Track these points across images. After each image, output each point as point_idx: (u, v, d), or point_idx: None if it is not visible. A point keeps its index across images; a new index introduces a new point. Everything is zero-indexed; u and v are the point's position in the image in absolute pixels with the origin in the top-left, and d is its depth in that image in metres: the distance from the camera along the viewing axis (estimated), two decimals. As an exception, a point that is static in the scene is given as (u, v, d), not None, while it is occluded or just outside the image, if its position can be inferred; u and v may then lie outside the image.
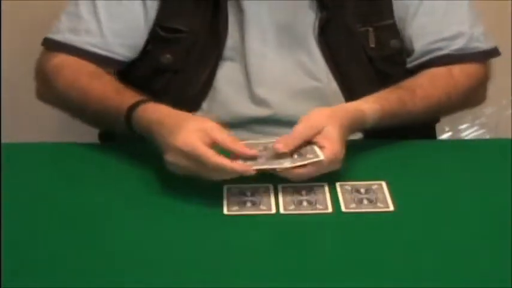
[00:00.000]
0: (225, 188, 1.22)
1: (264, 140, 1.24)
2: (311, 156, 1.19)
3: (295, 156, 1.20)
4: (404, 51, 1.48)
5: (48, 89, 1.47)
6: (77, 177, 1.30)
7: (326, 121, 1.24)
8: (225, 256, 1.08)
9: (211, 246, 1.10)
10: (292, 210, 1.18)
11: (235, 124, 1.46)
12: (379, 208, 1.18)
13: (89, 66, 1.44)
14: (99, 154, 1.36)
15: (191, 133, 1.19)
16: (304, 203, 1.19)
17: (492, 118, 2.14)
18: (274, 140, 1.22)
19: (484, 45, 1.46)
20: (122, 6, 1.46)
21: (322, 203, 1.19)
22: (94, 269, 1.05)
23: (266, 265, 1.05)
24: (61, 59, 1.46)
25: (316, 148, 1.20)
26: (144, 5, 1.46)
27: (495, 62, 1.50)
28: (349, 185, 1.23)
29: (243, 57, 1.46)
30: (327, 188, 1.22)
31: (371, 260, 1.06)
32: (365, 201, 1.19)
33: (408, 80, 1.42)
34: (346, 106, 1.33)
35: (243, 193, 1.22)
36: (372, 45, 1.45)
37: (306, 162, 1.19)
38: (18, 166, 1.33)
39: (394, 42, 1.46)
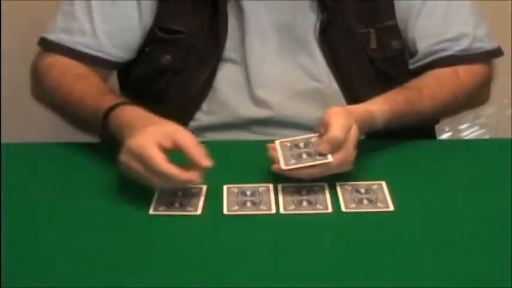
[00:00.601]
0: (225, 188, 1.22)
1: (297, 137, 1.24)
2: (320, 158, 1.19)
3: (304, 156, 1.20)
4: (406, 52, 1.48)
5: (39, 88, 1.47)
6: (77, 177, 1.30)
7: (352, 121, 1.23)
8: (225, 256, 1.08)
9: (211, 246, 1.10)
10: (292, 210, 1.18)
11: (235, 125, 1.47)
12: (379, 208, 1.18)
13: (77, 68, 1.44)
14: (100, 154, 1.36)
15: (147, 135, 1.18)
16: (304, 203, 1.19)
17: (492, 118, 2.14)
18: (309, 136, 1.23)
19: (487, 45, 1.47)
20: (116, 7, 1.46)
21: (322, 203, 1.19)
22: (94, 269, 1.05)
23: (266, 265, 1.05)
24: (52, 59, 1.46)
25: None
26: (139, 6, 1.46)
27: (495, 62, 1.50)
28: (349, 185, 1.23)
29: (243, 58, 1.46)
30: (327, 188, 1.22)
31: (371, 260, 1.06)
32: (365, 201, 1.19)
33: (414, 81, 1.42)
34: (357, 107, 1.32)
35: (243, 193, 1.22)
36: (373, 47, 1.45)
37: (314, 163, 1.19)
38: (18, 166, 1.33)
39: (395, 43, 1.46)
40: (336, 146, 1.20)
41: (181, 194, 1.21)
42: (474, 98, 1.47)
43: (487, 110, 2.10)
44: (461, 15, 1.46)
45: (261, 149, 1.25)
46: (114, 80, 1.58)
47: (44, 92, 1.46)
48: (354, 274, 1.03)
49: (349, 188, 1.22)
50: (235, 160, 1.31)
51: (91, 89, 1.38)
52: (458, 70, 1.44)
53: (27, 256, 1.08)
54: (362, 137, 1.31)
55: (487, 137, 2.16)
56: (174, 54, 1.46)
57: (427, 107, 1.38)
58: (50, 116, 1.55)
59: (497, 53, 1.48)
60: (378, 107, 1.31)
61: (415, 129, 1.41)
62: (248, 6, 1.44)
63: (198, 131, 1.48)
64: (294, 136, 1.25)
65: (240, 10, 1.45)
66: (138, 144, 1.17)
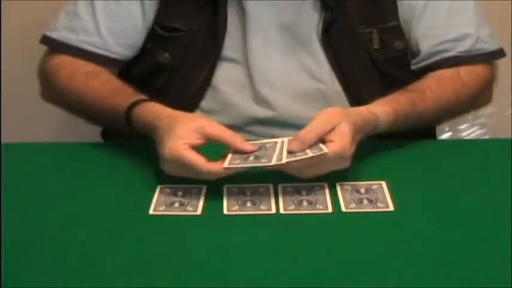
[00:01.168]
0: (225, 188, 1.22)
1: (264, 140, 1.23)
2: (315, 151, 1.18)
3: (300, 152, 1.20)
4: (409, 52, 1.48)
5: (49, 90, 1.48)
6: (77, 177, 1.30)
7: (340, 118, 1.22)
8: (225, 256, 1.08)
9: (211, 246, 1.10)
10: (292, 210, 1.18)
11: (236, 125, 1.47)
12: (379, 208, 1.18)
13: (86, 66, 1.44)
14: (100, 153, 1.36)
15: (179, 139, 1.18)
16: (304, 203, 1.19)
17: (492, 118, 2.14)
18: (274, 140, 1.22)
19: (490, 46, 1.47)
20: (120, 6, 1.46)
21: (322, 203, 1.19)
22: (95, 269, 1.05)
23: (266, 265, 1.05)
24: (60, 60, 1.46)
25: (320, 144, 1.20)
26: (142, 5, 1.46)
27: (495, 63, 1.50)
28: (349, 185, 1.23)
29: (244, 57, 1.46)
30: (327, 188, 1.22)
31: (371, 260, 1.06)
32: (365, 201, 1.19)
33: (416, 83, 1.41)
34: (358, 108, 1.31)
35: (243, 193, 1.22)
36: (376, 47, 1.45)
37: (309, 156, 1.18)
38: (18, 166, 1.33)
39: (398, 44, 1.46)
40: (304, 144, 1.18)
41: (181, 194, 1.21)
42: (478, 98, 1.47)
43: (487, 110, 2.10)
44: (464, 16, 1.46)
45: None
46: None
47: (56, 93, 1.46)
48: (354, 274, 1.03)
49: (349, 188, 1.22)
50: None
51: (103, 88, 1.38)
52: (460, 71, 1.43)
53: (27, 256, 1.08)
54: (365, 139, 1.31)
55: (487, 137, 2.16)
56: (173, 52, 1.46)
57: (429, 109, 1.38)
58: (50, 116, 1.55)
59: (499, 54, 1.48)
60: (381, 109, 1.31)
61: (415, 130, 1.41)
62: (250, 5, 1.44)
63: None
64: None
65: (241, 9, 1.45)
66: (174, 152, 1.18)
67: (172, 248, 1.10)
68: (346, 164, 1.21)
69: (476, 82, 1.44)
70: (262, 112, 1.46)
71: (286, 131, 1.45)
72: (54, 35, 1.48)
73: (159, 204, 1.20)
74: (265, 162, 1.17)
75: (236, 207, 1.19)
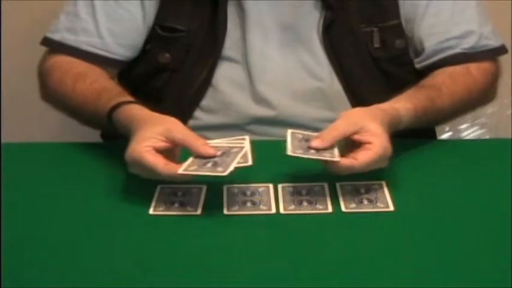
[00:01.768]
0: (225, 188, 1.22)
1: (233, 143, 1.21)
2: (327, 155, 1.17)
3: (312, 151, 1.19)
4: (411, 51, 1.48)
5: (45, 90, 1.48)
6: (77, 177, 1.30)
7: (367, 119, 1.21)
8: (225, 256, 1.08)
9: (211, 246, 1.10)
10: (292, 210, 1.18)
11: (236, 125, 1.47)
12: (379, 208, 1.18)
13: (78, 67, 1.44)
14: (100, 153, 1.36)
15: (142, 141, 1.18)
16: (304, 203, 1.19)
17: (492, 118, 2.14)
18: (241, 145, 1.20)
19: (494, 42, 1.47)
20: (120, 7, 1.46)
21: (322, 203, 1.19)
22: (95, 269, 1.05)
23: (266, 265, 1.05)
24: (55, 60, 1.47)
25: (335, 149, 1.18)
26: (143, 6, 1.46)
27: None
28: (349, 185, 1.23)
29: (244, 57, 1.46)
30: (327, 188, 1.22)
31: (371, 260, 1.06)
32: (365, 201, 1.19)
33: (429, 79, 1.41)
34: (380, 106, 1.29)
35: (243, 193, 1.22)
36: (377, 46, 1.45)
37: (320, 158, 1.17)
38: (18, 166, 1.33)
39: (399, 43, 1.47)
40: (325, 141, 1.17)
41: (181, 194, 1.21)
42: (487, 94, 1.48)
43: (487, 110, 2.10)
44: (467, 14, 1.46)
45: (262, 149, 1.25)
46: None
47: (49, 94, 1.46)
48: (354, 274, 1.03)
49: (349, 188, 1.22)
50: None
51: (90, 90, 1.38)
52: (469, 67, 1.44)
53: (27, 256, 1.08)
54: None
55: (487, 137, 2.16)
56: (173, 53, 1.47)
57: (446, 105, 1.38)
58: (50, 116, 1.55)
59: (503, 50, 1.49)
60: (402, 105, 1.30)
61: (415, 129, 1.41)
62: (249, 5, 1.44)
63: (197, 130, 1.47)
64: None
65: (241, 9, 1.45)
66: (134, 154, 1.18)
67: (172, 248, 1.10)
68: (386, 163, 1.21)
69: (485, 78, 1.45)
70: (262, 111, 1.46)
71: (287, 130, 1.45)
72: (55, 36, 1.48)
73: (159, 204, 1.20)
74: (220, 172, 1.14)
75: (236, 207, 1.19)
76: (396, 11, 1.46)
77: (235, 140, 1.22)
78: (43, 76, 1.48)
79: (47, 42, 1.49)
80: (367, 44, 1.45)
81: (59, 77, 1.44)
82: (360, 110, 1.25)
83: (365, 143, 1.18)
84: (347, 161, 1.17)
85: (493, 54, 1.48)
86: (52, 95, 1.45)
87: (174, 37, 1.46)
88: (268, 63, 1.46)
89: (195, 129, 1.47)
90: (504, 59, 1.52)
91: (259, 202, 1.19)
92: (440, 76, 1.42)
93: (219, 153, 1.18)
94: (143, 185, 1.24)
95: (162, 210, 1.18)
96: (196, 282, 1.02)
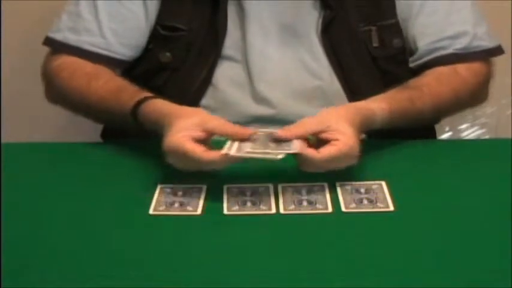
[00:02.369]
0: (225, 188, 1.22)
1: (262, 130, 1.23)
2: (287, 148, 1.18)
3: (273, 144, 1.19)
4: (408, 50, 1.48)
5: (52, 91, 1.48)
6: (77, 177, 1.30)
7: (336, 118, 1.22)
8: (225, 256, 1.08)
9: (211, 246, 1.10)
10: (292, 210, 1.18)
11: (236, 123, 1.47)
12: (379, 208, 1.18)
13: (86, 67, 1.44)
14: (100, 153, 1.36)
15: (178, 132, 1.19)
16: (304, 203, 1.19)
17: (492, 118, 2.14)
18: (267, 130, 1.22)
19: (488, 43, 1.47)
20: (122, 6, 1.46)
21: (322, 203, 1.19)
22: (93, 269, 1.05)
23: (266, 265, 1.05)
24: (61, 61, 1.47)
25: (296, 141, 1.19)
26: (145, 5, 1.46)
27: (495, 62, 1.50)
28: (349, 185, 1.23)
29: (243, 56, 1.47)
30: (327, 188, 1.22)
31: (371, 259, 1.06)
32: (365, 201, 1.19)
33: (414, 80, 1.42)
34: (355, 105, 1.32)
35: (243, 193, 1.22)
36: (375, 45, 1.46)
37: (263, 156, 1.18)
38: (18, 166, 1.33)
39: (397, 42, 1.47)
40: (288, 132, 1.20)
41: (181, 194, 1.21)
42: (476, 96, 1.48)
43: (487, 110, 2.10)
44: (462, 14, 1.46)
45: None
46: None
47: (58, 94, 1.46)
48: (354, 274, 1.03)
49: (349, 188, 1.22)
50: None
51: (106, 89, 1.38)
52: (458, 68, 1.44)
53: (27, 256, 1.08)
54: (362, 136, 1.31)
55: (487, 137, 2.16)
56: (174, 52, 1.47)
57: (428, 106, 1.38)
58: (50, 116, 1.55)
59: (497, 51, 1.49)
60: (378, 105, 1.31)
61: (415, 129, 1.41)
62: (249, 5, 1.45)
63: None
64: None
65: (241, 9, 1.45)
66: (173, 143, 1.19)
67: (172, 248, 1.10)
68: (353, 161, 1.22)
69: (476, 79, 1.45)
70: (262, 110, 1.47)
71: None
72: (57, 36, 1.48)
73: (159, 204, 1.20)
74: (286, 149, 1.17)
75: (236, 207, 1.19)
76: (393, 10, 1.46)
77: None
78: (49, 77, 1.47)
79: (49, 42, 1.49)
80: (366, 43, 1.46)
81: (68, 76, 1.44)
82: (332, 109, 1.26)
83: (332, 140, 1.20)
84: (308, 151, 1.19)
85: (485, 55, 1.47)
86: (61, 95, 1.45)
87: (175, 36, 1.46)
88: (268, 63, 1.46)
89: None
90: (504, 59, 1.52)
91: (259, 202, 1.19)
92: (427, 77, 1.42)
93: (180, 192, 1.21)
94: (143, 185, 1.24)
95: (162, 210, 1.18)
96: (196, 282, 1.02)
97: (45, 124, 2.02)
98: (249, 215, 1.17)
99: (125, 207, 1.20)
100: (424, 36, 1.46)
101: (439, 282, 1.01)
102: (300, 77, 1.47)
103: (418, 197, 1.21)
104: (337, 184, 1.23)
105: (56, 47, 1.48)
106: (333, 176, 1.22)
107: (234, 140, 1.20)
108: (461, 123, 2.15)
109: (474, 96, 1.47)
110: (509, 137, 1.51)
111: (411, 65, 1.47)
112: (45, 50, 1.51)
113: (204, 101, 1.48)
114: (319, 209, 1.18)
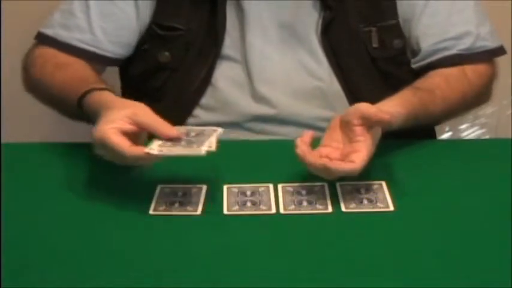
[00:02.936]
0: (225, 188, 1.22)
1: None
2: (208, 143, 1.16)
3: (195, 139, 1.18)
4: (409, 51, 1.48)
5: (27, 80, 1.49)
6: (77, 177, 1.30)
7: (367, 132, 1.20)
8: (225, 256, 1.08)
9: (211, 246, 1.10)
10: (292, 210, 1.18)
11: (236, 123, 1.47)
12: (379, 208, 1.18)
13: (59, 57, 1.45)
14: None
15: (107, 123, 1.18)
16: (304, 203, 1.19)
17: (492, 118, 2.14)
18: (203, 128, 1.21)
19: (491, 43, 1.47)
20: (114, 6, 1.47)
21: (322, 203, 1.19)
22: (93, 269, 1.05)
23: (266, 265, 1.05)
24: (40, 51, 1.48)
25: (212, 138, 1.17)
26: (136, 5, 1.47)
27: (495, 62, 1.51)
28: (349, 185, 1.23)
29: (243, 56, 1.47)
30: (327, 188, 1.22)
31: (371, 259, 1.06)
32: (365, 201, 1.19)
33: (424, 81, 1.41)
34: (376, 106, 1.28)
35: (243, 193, 1.22)
36: (375, 45, 1.45)
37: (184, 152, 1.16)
38: (18, 166, 1.33)
39: (397, 43, 1.47)
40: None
41: (181, 194, 1.21)
42: (481, 97, 1.48)
43: (487, 110, 2.10)
44: (465, 14, 1.46)
45: (262, 148, 1.25)
46: (115, 78, 1.58)
47: (32, 83, 1.47)
48: (354, 274, 1.03)
49: (349, 188, 1.22)
50: (235, 160, 1.31)
51: (70, 78, 1.39)
52: (465, 70, 1.44)
53: (27, 256, 1.08)
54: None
55: (487, 137, 2.16)
56: (173, 52, 1.47)
57: (439, 109, 1.38)
58: (50, 116, 1.55)
59: (500, 51, 1.49)
60: (396, 109, 1.29)
61: (415, 129, 1.41)
62: (248, 5, 1.45)
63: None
64: (294, 135, 1.25)
65: (240, 9, 1.45)
66: (100, 134, 1.18)
67: (172, 248, 1.10)
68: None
69: (480, 80, 1.45)
70: (261, 110, 1.47)
71: (286, 128, 1.45)
72: (48, 31, 1.49)
73: (159, 204, 1.20)
74: (196, 150, 1.14)
75: (236, 207, 1.19)
76: (394, 10, 1.46)
77: (207, 127, 1.22)
78: (27, 67, 1.48)
79: (40, 36, 1.50)
80: (366, 44, 1.45)
81: (40, 65, 1.45)
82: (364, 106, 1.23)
83: (355, 142, 1.19)
84: (338, 165, 1.17)
85: (489, 55, 1.47)
86: (34, 85, 1.46)
87: (173, 36, 1.46)
88: (267, 62, 1.46)
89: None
90: (504, 59, 1.52)
91: (259, 202, 1.19)
92: (436, 78, 1.42)
93: (193, 134, 1.19)
94: (143, 185, 1.24)
95: (162, 210, 1.18)
96: (196, 282, 1.02)
97: (45, 124, 2.02)
98: (249, 215, 1.17)
99: (124, 207, 1.20)
100: (427, 37, 1.45)
101: (439, 282, 1.01)
102: (300, 77, 1.47)
103: (418, 197, 1.21)
104: (337, 184, 1.23)
105: (46, 42, 1.49)
106: (333, 176, 1.22)
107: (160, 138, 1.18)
108: (461, 123, 2.15)
109: (479, 98, 1.48)
110: (509, 137, 1.51)
111: (414, 66, 1.47)
112: (33, 43, 1.52)
113: (204, 100, 1.48)
114: (319, 209, 1.18)
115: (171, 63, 1.47)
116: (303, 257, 1.07)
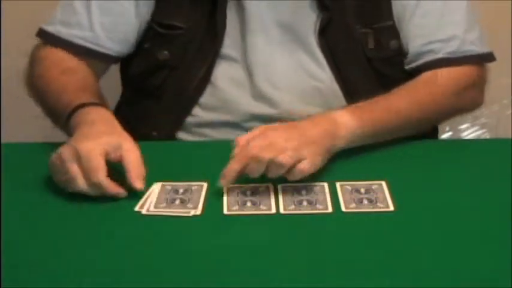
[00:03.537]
0: (225, 187, 1.22)
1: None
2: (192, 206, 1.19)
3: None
4: (403, 52, 1.48)
5: (29, 75, 1.49)
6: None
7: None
8: (224, 256, 1.08)
9: (211, 246, 1.10)
10: (292, 210, 1.18)
11: (236, 123, 1.47)
12: (379, 208, 1.18)
13: (68, 61, 1.45)
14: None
15: (100, 145, 1.20)
16: (304, 203, 1.19)
17: (492, 118, 2.14)
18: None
19: (478, 49, 1.46)
20: (114, 2, 1.47)
21: (322, 203, 1.19)
22: (93, 269, 1.05)
23: (266, 265, 1.05)
24: (48, 51, 1.48)
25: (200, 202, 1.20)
26: (136, 2, 1.47)
27: (495, 62, 1.50)
28: (349, 185, 1.23)
29: (243, 55, 1.47)
30: (327, 188, 1.22)
31: (371, 260, 1.06)
32: (365, 201, 1.19)
33: (384, 98, 1.38)
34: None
35: (243, 193, 1.22)
36: (371, 46, 1.46)
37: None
38: (18, 166, 1.33)
39: (393, 44, 1.47)
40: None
41: (182, 193, 1.21)
42: (460, 101, 1.46)
43: (487, 110, 2.10)
44: (454, 18, 1.46)
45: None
46: (115, 78, 1.58)
47: (32, 79, 1.47)
48: (354, 274, 1.03)
49: (349, 188, 1.22)
50: (235, 160, 1.30)
51: (73, 84, 1.39)
52: (439, 73, 1.43)
53: (27, 256, 1.08)
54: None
55: (487, 137, 2.16)
56: (172, 50, 1.47)
57: (398, 126, 1.37)
58: (50, 116, 1.54)
59: (487, 57, 1.48)
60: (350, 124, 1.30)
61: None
62: (250, 4, 1.45)
63: (196, 127, 1.48)
64: None
65: (240, 8, 1.45)
66: (89, 150, 1.18)
67: (172, 248, 1.10)
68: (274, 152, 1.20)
69: (457, 84, 1.43)
70: (261, 109, 1.47)
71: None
72: (50, 28, 1.49)
73: (159, 203, 1.20)
74: (192, 209, 1.18)
75: (236, 207, 1.19)
76: (390, 11, 1.46)
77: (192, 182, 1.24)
78: (32, 62, 1.48)
79: (41, 33, 1.50)
80: (362, 44, 1.45)
81: (48, 64, 1.45)
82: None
83: None
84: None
85: (473, 60, 1.46)
86: (34, 80, 1.46)
87: (172, 34, 1.46)
88: (268, 62, 1.46)
89: (194, 126, 1.48)
90: (504, 60, 1.52)
91: (259, 202, 1.19)
92: (398, 92, 1.40)
93: (181, 190, 1.22)
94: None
95: (162, 209, 1.18)
96: (196, 282, 1.02)
97: (45, 124, 2.02)
98: (249, 214, 1.17)
99: (124, 207, 1.20)
100: (416, 38, 1.45)
101: (439, 282, 1.01)
102: (299, 77, 1.47)
103: (418, 197, 1.22)
104: (337, 184, 1.23)
105: (48, 40, 1.49)
106: (333, 176, 1.22)
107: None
108: (461, 123, 2.15)
109: (457, 103, 1.45)
110: (509, 137, 1.51)
111: (406, 67, 1.47)
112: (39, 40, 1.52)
113: (203, 99, 1.48)
114: (319, 209, 1.18)
115: (170, 61, 1.48)
116: (303, 257, 1.07)
